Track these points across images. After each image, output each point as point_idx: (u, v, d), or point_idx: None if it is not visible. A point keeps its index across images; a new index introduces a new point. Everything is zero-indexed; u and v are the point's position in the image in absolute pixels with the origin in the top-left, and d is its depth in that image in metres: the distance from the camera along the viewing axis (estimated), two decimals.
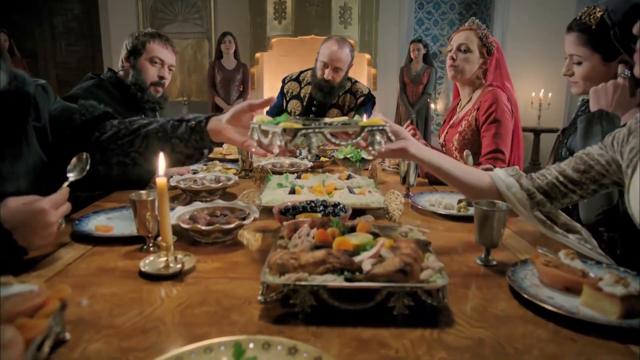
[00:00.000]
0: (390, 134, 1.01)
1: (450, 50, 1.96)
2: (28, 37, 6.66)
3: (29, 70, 5.97)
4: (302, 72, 2.82)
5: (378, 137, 0.98)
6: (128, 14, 6.16)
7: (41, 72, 6.84)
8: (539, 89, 5.91)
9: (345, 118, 1.06)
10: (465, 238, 1.20)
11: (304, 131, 0.91)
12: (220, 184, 1.53)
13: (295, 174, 1.66)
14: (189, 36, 6.48)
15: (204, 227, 1.06)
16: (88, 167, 1.06)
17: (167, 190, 0.91)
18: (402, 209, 1.29)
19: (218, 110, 5.15)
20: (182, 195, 1.56)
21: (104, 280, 0.90)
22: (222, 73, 5.10)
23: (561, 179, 1.06)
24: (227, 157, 2.35)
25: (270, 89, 5.66)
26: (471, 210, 1.39)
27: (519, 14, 6.19)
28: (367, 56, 5.74)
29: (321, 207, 1.20)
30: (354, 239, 0.89)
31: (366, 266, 0.78)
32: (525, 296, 0.81)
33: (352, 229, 0.97)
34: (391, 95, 5.99)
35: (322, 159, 2.16)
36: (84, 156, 1.07)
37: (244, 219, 1.16)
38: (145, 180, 1.61)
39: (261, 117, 1.05)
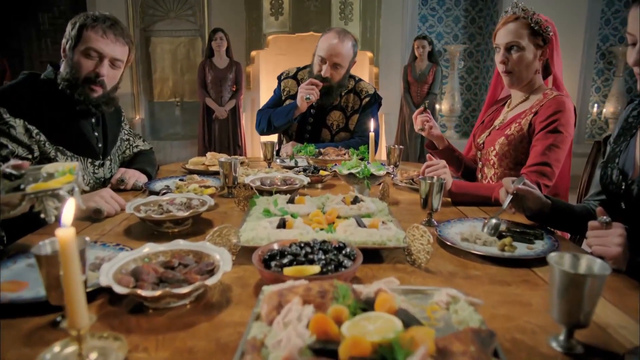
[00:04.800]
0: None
1: (498, 51, 1.57)
2: (12, 34, 6.32)
3: (9, 69, 5.64)
4: (299, 69, 2.48)
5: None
6: (116, 10, 5.81)
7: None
8: None
9: None
10: (520, 297, 0.86)
11: None
12: (191, 210, 1.19)
13: (288, 196, 1.30)
14: (182, 34, 6.22)
15: (146, 294, 0.72)
16: None
17: (77, 247, 0.58)
18: (430, 250, 0.95)
19: (209, 112, 4.81)
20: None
21: None
22: (213, 72, 4.74)
23: None
24: (211, 168, 1.99)
25: (267, 89, 5.34)
26: (520, 249, 1.06)
27: None
28: (369, 54, 5.43)
29: (320, 253, 0.86)
30: (372, 329, 0.55)
31: None
32: None
33: (368, 303, 0.64)
34: (394, 95, 5.67)
35: (322, 172, 1.78)
36: None
37: (212, 271, 0.83)
38: None
39: None
